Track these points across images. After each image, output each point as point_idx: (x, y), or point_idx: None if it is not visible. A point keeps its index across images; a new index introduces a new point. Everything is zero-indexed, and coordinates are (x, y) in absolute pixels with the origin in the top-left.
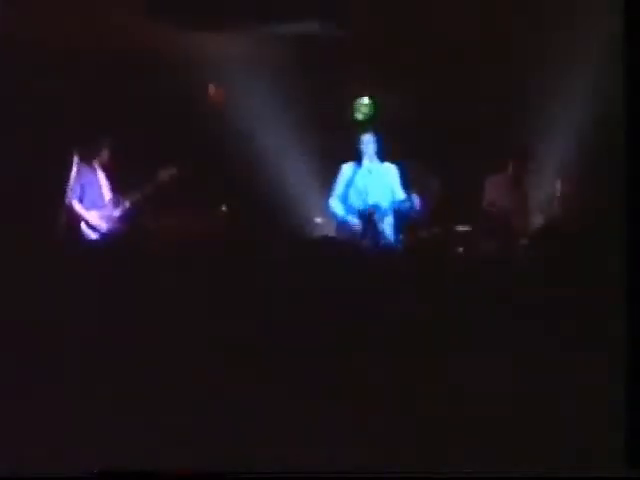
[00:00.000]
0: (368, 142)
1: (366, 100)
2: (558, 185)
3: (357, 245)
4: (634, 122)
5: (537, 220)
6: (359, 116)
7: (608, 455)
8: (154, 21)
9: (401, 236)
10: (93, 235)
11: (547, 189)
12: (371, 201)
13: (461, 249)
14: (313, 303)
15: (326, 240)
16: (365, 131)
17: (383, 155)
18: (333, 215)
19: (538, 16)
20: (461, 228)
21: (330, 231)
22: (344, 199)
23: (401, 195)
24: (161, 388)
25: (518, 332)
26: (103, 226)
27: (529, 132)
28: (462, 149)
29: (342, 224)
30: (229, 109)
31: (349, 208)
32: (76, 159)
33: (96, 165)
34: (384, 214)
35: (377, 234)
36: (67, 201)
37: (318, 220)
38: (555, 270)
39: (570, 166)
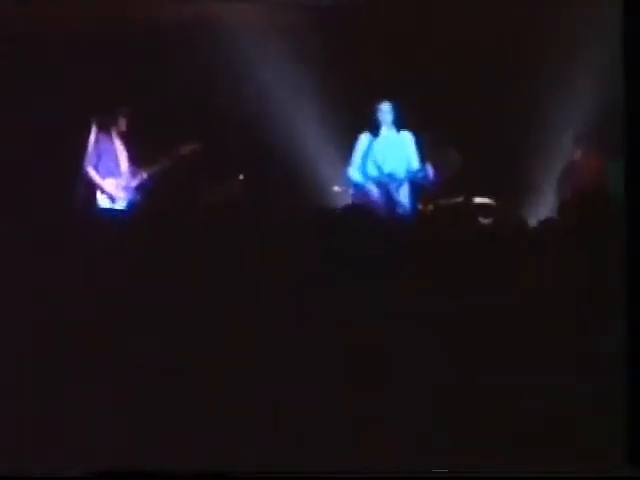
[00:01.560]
0: (386, 111)
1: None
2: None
3: (374, 214)
4: (634, 122)
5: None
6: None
7: (608, 455)
8: None
9: (419, 206)
10: (108, 203)
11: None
12: (387, 170)
13: (477, 221)
14: (328, 274)
15: (344, 209)
16: (383, 100)
17: (400, 124)
18: (351, 184)
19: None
20: (478, 200)
21: (348, 200)
22: (362, 168)
23: (416, 164)
24: (161, 388)
25: (517, 331)
26: (119, 195)
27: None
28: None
29: (360, 193)
30: (246, 79)
31: (367, 177)
32: (94, 128)
33: (114, 134)
34: (400, 183)
35: (393, 203)
36: (83, 169)
37: (336, 189)
38: (554, 269)
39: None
